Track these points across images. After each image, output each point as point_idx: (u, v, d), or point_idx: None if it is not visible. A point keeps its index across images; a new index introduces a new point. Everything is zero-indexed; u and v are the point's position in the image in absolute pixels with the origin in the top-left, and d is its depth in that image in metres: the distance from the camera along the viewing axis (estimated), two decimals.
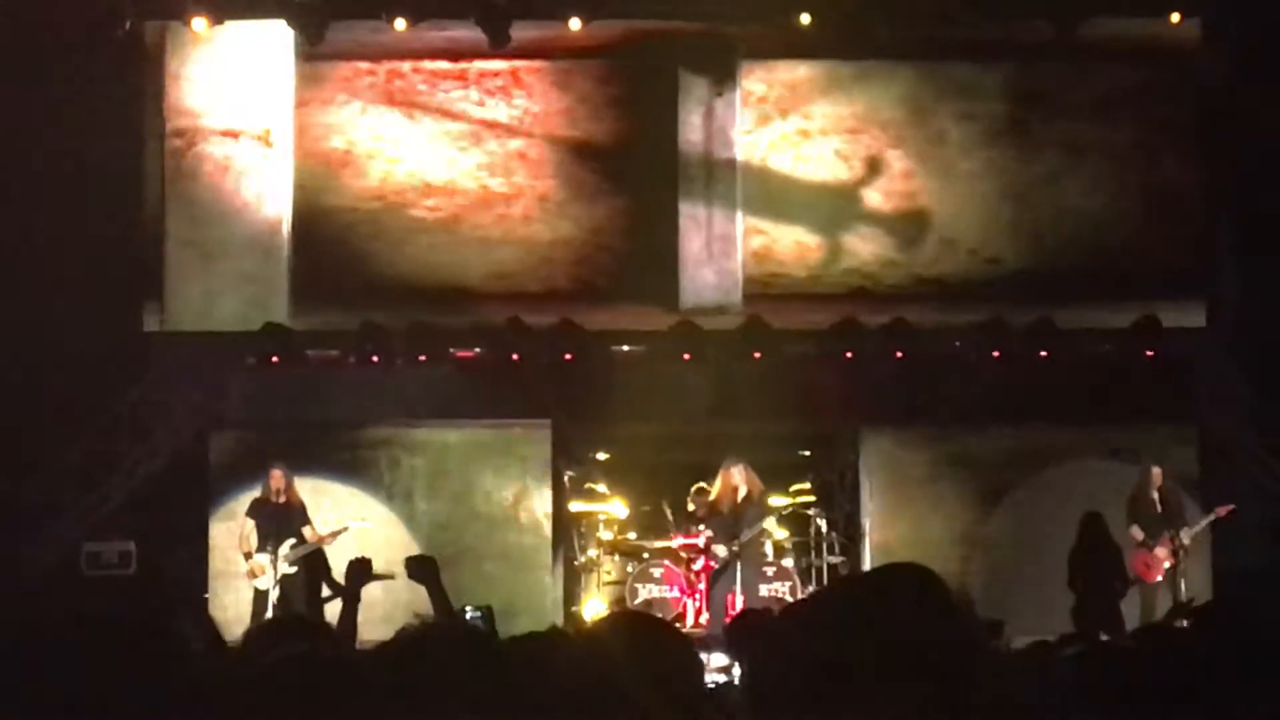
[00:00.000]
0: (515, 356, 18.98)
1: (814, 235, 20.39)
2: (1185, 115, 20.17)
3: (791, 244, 20.40)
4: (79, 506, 18.59)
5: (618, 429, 19.28)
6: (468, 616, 16.31)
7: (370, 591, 19.47)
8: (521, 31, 19.47)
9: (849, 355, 19.04)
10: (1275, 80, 18.79)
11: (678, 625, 17.43)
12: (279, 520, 17.34)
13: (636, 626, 3.83)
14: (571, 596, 18.91)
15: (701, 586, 17.74)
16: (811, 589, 18.24)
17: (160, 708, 2.97)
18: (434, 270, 20.02)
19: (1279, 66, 18.79)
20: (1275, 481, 18.42)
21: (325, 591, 18.01)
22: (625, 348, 19.61)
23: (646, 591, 18.08)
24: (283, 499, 17.40)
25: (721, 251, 20.23)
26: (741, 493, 17.44)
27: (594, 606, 18.41)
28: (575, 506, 18.97)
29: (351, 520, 17.85)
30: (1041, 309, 19.13)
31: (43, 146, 18.66)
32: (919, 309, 19.53)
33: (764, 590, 17.50)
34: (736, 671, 9.64)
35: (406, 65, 20.36)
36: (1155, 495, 17.62)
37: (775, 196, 20.44)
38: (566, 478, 19.02)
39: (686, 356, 19.01)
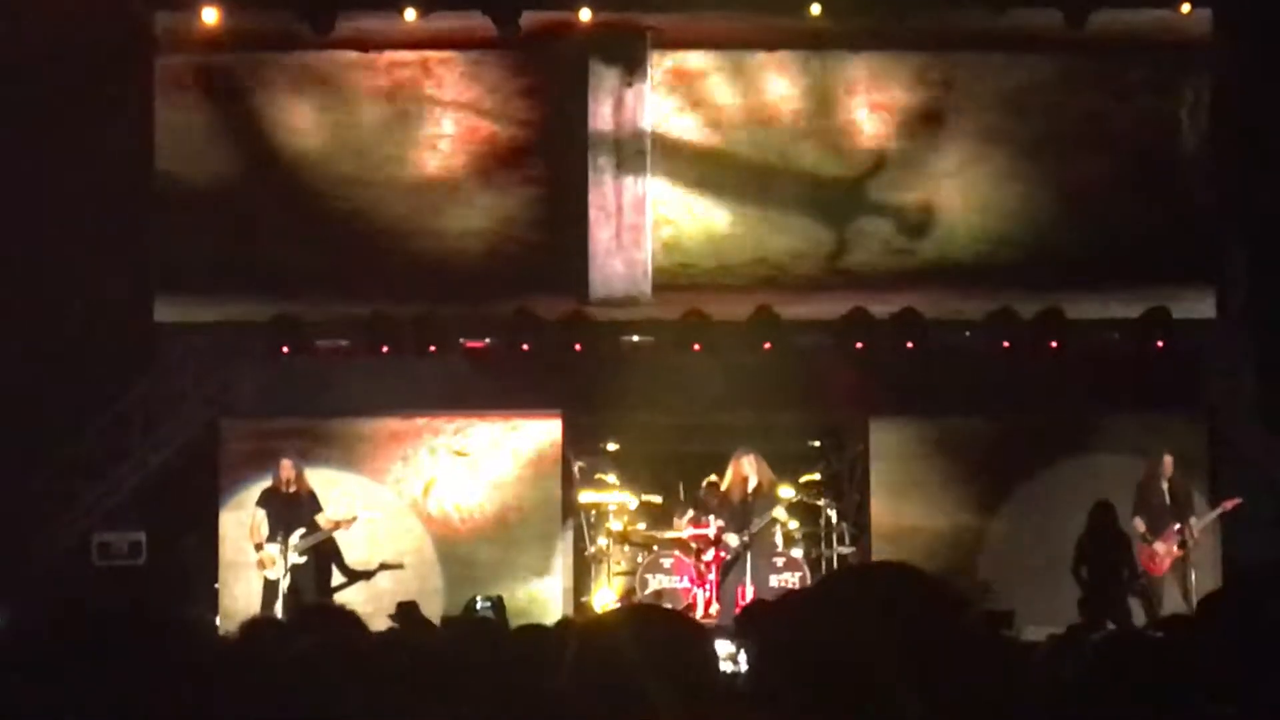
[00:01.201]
0: (525, 347, 18.99)
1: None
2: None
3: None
4: (89, 497, 18.63)
5: (627, 420, 19.30)
6: (479, 606, 16.41)
7: (379, 582, 19.59)
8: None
9: (859, 346, 19.04)
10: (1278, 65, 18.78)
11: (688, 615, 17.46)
12: (289, 510, 17.37)
13: (649, 618, 3.84)
14: (581, 587, 18.92)
15: (712, 577, 17.73)
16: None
17: (175, 699, 2.98)
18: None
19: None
20: None
21: (337, 579, 18.07)
22: (635, 338, 19.62)
23: (656, 582, 18.09)
24: (293, 489, 17.43)
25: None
26: (752, 483, 17.44)
27: (604, 597, 18.42)
28: (585, 497, 18.97)
29: (362, 510, 17.91)
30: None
31: (52, 137, 18.68)
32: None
33: (774, 580, 17.51)
34: (743, 659, 9.66)
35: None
36: (1165, 486, 17.61)
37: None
38: (576, 468, 19.01)
39: (697, 347, 19.01)
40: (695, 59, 20.52)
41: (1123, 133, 20.28)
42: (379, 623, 16.21)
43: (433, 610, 18.00)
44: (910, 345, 19.01)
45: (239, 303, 19.41)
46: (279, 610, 16.84)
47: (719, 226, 20.36)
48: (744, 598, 16.64)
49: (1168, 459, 17.62)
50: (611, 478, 19.26)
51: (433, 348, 19.00)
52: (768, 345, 19.01)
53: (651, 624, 3.73)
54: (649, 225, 20.26)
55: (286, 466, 17.47)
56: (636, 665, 3.50)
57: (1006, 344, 18.98)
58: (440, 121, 20.26)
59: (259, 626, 5.75)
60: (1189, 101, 20.18)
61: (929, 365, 19.01)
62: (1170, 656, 4.26)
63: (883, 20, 19.49)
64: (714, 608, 17.53)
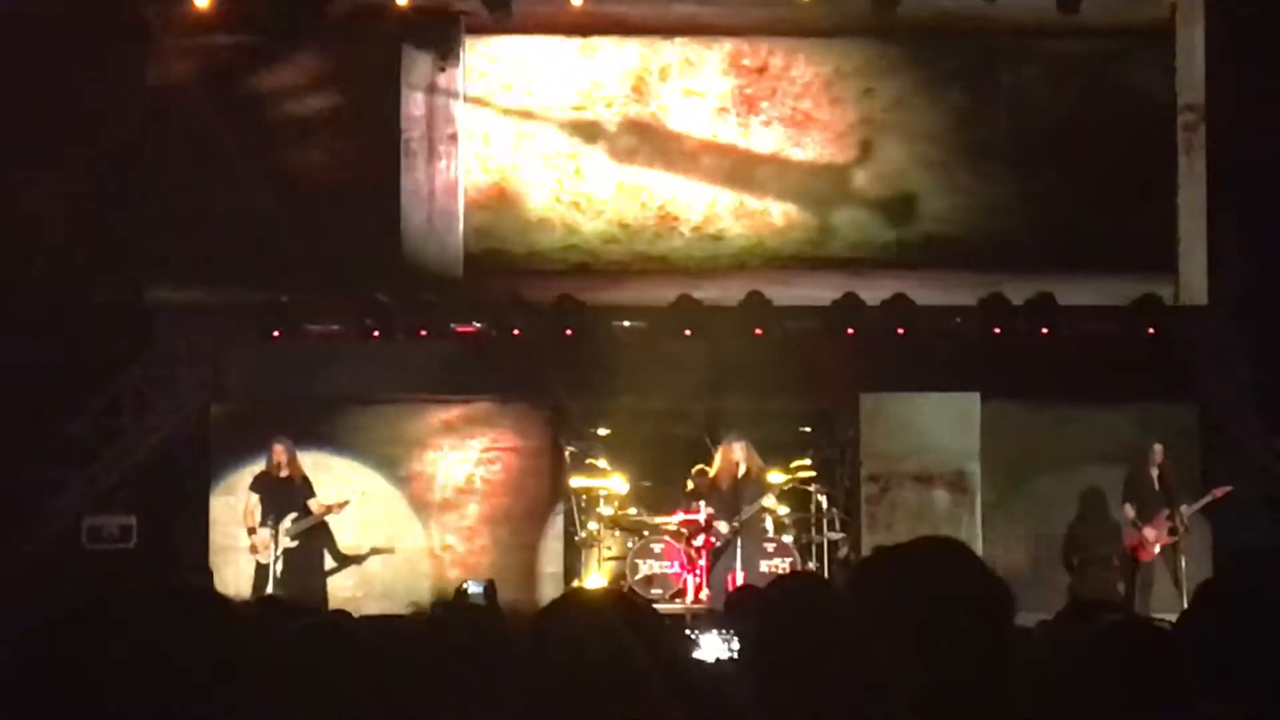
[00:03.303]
0: (516, 332, 18.97)
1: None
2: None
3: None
4: (80, 480, 18.61)
5: (618, 404, 19.29)
6: (470, 591, 16.42)
7: (369, 566, 19.58)
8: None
9: (850, 332, 19.00)
10: (1272, 51, 18.77)
11: (678, 601, 17.49)
12: (282, 494, 17.38)
13: (626, 604, 3.85)
14: (572, 572, 18.91)
15: (702, 562, 17.76)
16: (811, 565, 18.28)
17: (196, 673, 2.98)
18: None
19: (1277, 36, 18.77)
20: (1276, 459, 18.43)
21: (328, 564, 18.07)
22: (626, 323, 19.60)
23: (647, 567, 18.10)
24: (285, 473, 17.43)
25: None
26: (741, 469, 17.45)
27: (595, 582, 18.42)
28: (576, 482, 18.97)
29: (354, 494, 17.91)
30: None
31: (43, 120, 18.66)
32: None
33: (764, 566, 17.52)
34: (735, 645, 9.66)
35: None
36: (1155, 473, 17.63)
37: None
38: (567, 453, 19.00)
39: (688, 333, 18.98)
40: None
41: (1112, 119, 20.28)
42: (370, 606, 16.27)
43: (423, 595, 18.03)
44: (901, 331, 18.97)
45: (231, 287, 19.37)
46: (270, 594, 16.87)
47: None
48: (734, 583, 16.66)
49: (1158, 446, 17.64)
50: (602, 463, 19.27)
51: (423, 332, 18.98)
52: (759, 331, 18.97)
53: (628, 610, 3.74)
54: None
55: (279, 451, 17.47)
56: (622, 647, 3.50)
57: (998, 330, 18.95)
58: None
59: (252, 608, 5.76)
60: (1180, 86, 20.18)
61: (920, 351, 18.97)
62: (1170, 646, 4.26)
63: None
64: (704, 593, 17.55)
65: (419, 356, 18.98)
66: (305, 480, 17.59)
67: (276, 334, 18.96)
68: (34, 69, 18.51)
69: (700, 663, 6.23)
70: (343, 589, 18.08)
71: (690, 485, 18.46)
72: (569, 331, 18.92)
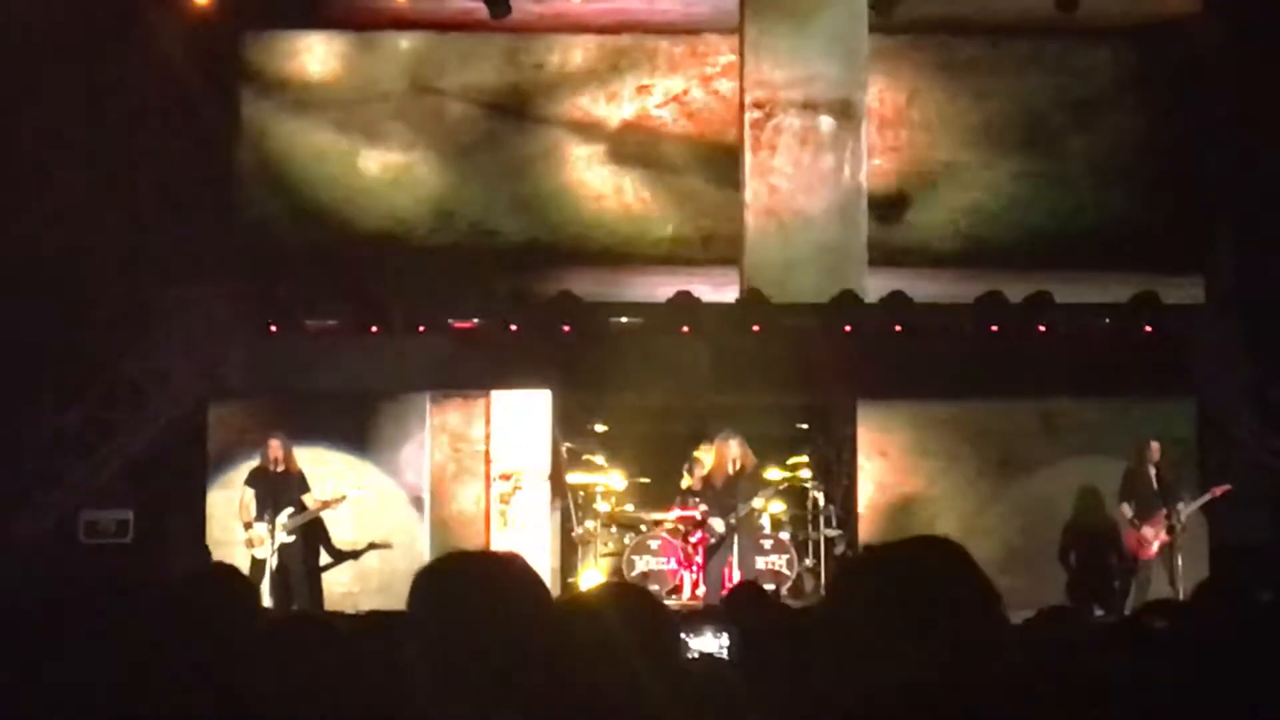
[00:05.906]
0: (513, 328, 18.94)
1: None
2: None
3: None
4: (77, 474, 18.60)
5: (616, 401, 19.28)
6: None
7: (367, 561, 19.52)
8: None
9: (847, 329, 18.96)
10: (1271, 51, 18.77)
11: (674, 597, 17.50)
12: (277, 489, 17.36)
13: (627, 595, 3.85)
14: (569, 567, 18.93)
15: (698, 559, 17.76)
16: (808, 562, 18.30)
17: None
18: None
19: (1275, 36, 18.77)
20: (1273, 457, 18.42)
21: (324, 559, 18.06)
22: (624, 319, 19.57)
23: (644, 563, 18.12)
24: (281, 468, 17.41)
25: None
26: (735, 465, 17.42)
27: (591, 578, 18.43)
28: (573, 478, 18.98)
29: (350, 489, 17.88)
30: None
31: (42, 113, 18.66)
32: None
33: (760, 563, 17.54)
34: (725, 642, 9.66)
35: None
36: (1152, 471, 17.60)
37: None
38: (564, 449, 19.01)
39: (685, 329, 18.95)
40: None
41: (1110, 117, 20.29)
42: (367, 602, 16.24)
43: None
44: (898, 328, 18.95)
45: (228, 280, 19.40)
46: (266, 589, 16.85)
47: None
48: (730, 580, 16.67)
49: (1155, 444, 17.61)
50: (599, 459, 19.27)
51: (421, 328, 18.96)
52: (757, 328, 18.93)
53: (629, 603, 3.74)
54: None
55: (275, 446, 17.45)
56: (615, 638, 3.51)
57: (995, 327, 18.94)
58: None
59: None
60: (1176, 85, 20.19)
61: (917, 348, 18.95)
62: (1161, 646, 4.26)
63: None
64: (700, 589, 17.55)
65: (417, 351, 18.95)
66: (300, 475, 17.59)
67: (274, 328, 18.94)
68: (32, 63, 18.52)
69: (697, 660, 6.23)
70: (339, 584, 18.08)
71: (685, 476, 18.46)
72: (566, 327, 18.84)
